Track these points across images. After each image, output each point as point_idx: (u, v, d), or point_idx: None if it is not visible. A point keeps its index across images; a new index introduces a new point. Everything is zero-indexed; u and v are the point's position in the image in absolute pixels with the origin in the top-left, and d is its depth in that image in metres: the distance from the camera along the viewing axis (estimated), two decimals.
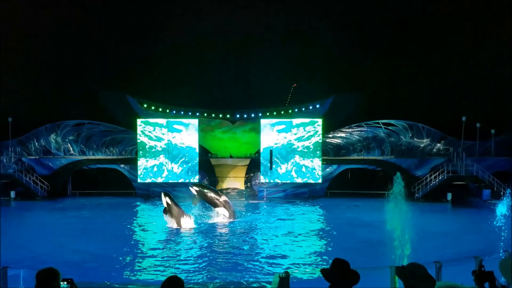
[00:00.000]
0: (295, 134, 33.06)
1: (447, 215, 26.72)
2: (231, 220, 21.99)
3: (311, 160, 32.95)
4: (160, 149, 33.45)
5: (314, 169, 32.94)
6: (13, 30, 41.60)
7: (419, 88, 42.86)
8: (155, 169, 33.44)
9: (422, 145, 33.48)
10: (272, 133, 33.16)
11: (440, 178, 30.51)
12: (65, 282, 3.33)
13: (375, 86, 40.98)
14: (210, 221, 21.94)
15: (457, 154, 31.18)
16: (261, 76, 43.14)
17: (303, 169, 32.98)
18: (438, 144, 33.32)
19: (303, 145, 32.97)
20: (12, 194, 31.44)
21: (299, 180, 33.07)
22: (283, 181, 33.10)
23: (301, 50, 45.76)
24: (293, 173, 33.02)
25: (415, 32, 43.82)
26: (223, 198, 22.11)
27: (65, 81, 42.35)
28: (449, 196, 30.31)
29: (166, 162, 33.39)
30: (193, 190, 22.35)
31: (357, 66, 42.02)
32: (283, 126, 33.22)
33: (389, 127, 34.37)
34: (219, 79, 41.62)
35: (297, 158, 32.99)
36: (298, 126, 33.07)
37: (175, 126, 33.56)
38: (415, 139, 33.62)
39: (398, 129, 34.20)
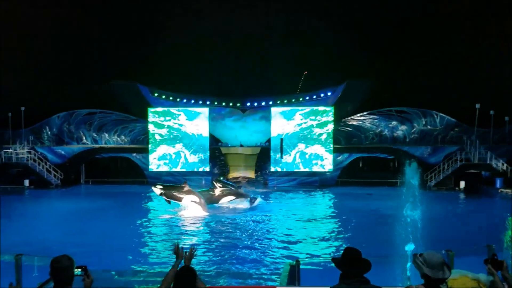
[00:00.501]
0: (306, 122, 32.90)
1: (459, 203, 26.52)
2: (204, 210, 21.28)
3: (322, 148, 32.82)
4: (170, 138, 33.62)
5: (325, 157, 32.82)
6: (13, 29, 41.89)
7: (432, 76, 42.35)
8: (166, 158, 33.65)
9: (435, 133, 33.11)
10: (282, 122, 33.04)
11: (453, 166, 30.19)
12: (79, 270, 3.35)
13: (386, 75, 40.55)
14: (183, 215, 21.07)
15: (470, 142, 30.81)
16: (261, 76, 43.02)
17: (314, 157, 32.88)
18: (452, 132, 32.94)
19: (314, 133, 32.82)
20: (26, 182, 31.88)
21: (309, 169, 32.98)
22: (293, 170, 33.06)
23: (301, 50, 45.55)
24: (303, 161, 32.96)
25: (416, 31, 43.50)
26: (187, 188, 21.58)
27: (65, 81, 42.57)
28: (462, 184, 30.05)
29: (176, 151, 33.58)
30: (157, 190, 21.83)
31: (357, 66, 41.63)
32: (294, 114, 33.08)
33: (402, 115, 33.99)
34: (219, 79, 41.44)
35: (308, 146, 32.89)
36: (309, 114, 32.90)
37: (186, 115, 33.66)
38: (428, 127, 33.25)
39: (411, 116, 33.82)
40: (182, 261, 3.55)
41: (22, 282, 8.25)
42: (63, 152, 33.91)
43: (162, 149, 33.68)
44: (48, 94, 39.68)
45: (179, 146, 33.57)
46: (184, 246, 3.72)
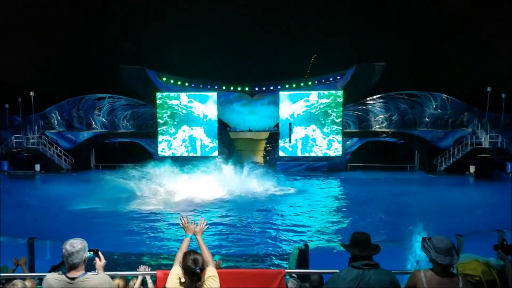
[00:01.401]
0: (314, 106, 32.75)
1: (470, 188, 26.39)
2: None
3: (331, 133, 32.72)
4: (179, 122, 33.71)
5: (334, 142, 32.72)
6: (22, 13, 41.84)
7: (443, 58, 41.72)
8: (175, 143, 33.82)
9: (446, 117, 32.75)
10: (291, 106, 32.93)
11: (463, 151, 29.93)
12: (91, 252, 3.40)
13: (396, 58, 40.01)
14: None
15: (481, 126, 30.47)
16: (278, 50, 42.53)
17: (323, 142, 32.80)
18: (462, 116, 32.57)
19: (323, 118, 32.69)
20: (37, 167, 32.26)
21: (318, 154, 32.94)
22: (302, 155, 33.03)
23: (310, 32, 44.91)
24: (312, 146, 32.90)
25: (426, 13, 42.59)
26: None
27: (74, 66, 42.58)
28: (473, 169, 29.83)
29: (184, 136, 33.71)
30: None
31: (367, 49, 41.01)
32: (302, 98, 32.91)
33: (412, 98, 33.60)
34: (227, 63, 40.97)
35: (317, 131, 32.80)
36: (318, 98, 32.72)
37: (194, 100, 33.66)
38: (439, 111, 32.87)
39: (422, 100, 33.46)
40: (192, 235, 3.51)
41: (35, 265, 8.43)
42: (73, 137, 34.20)
43: (170, 134, 33.82)
44: (57, 79, 39.84)
45: (187, 131, 33.67)
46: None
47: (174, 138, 33.85)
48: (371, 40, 43.10)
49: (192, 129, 33.65)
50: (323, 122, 32.68)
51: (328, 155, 32.89)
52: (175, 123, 33.73)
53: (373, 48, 41.64)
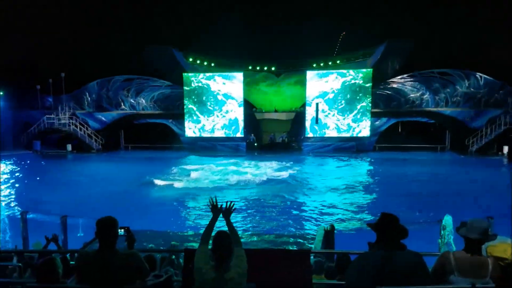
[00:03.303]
0: (343, 85, 32.22)
1: (502, 169, 25.63)
2: None
3: (359, 113, 32.22)
4: (205, 103, 33.84)
5: (363, 122, 32.23)
6: None
7: (477, 35, 40.05)
8: (201, 123, 34.03)
9: (478, 96, 31.66)
10: (318, 85, 32.48)
11: (496, 131, 28.98)
12: (122, 230, 3.49)
13: (429, 34, 38.69)
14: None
15: None
16: (307, 27, 41.71)
17: (351, 122, 32.37)
18: (496, 94, 31.40)
19: (351, 97, 32.16)
20: (69, 147, 33.17)
21: (346, 134, 32.54)
22: (329, 136, 32.71)
23: (339, 9, 43.75)
24: (339, 126, 32.54)
25: None
26: None
27: (103, 47, 42.93)
28: (506, 149, 28.91)
29: (211, 117, 33.84)
30: None
31: (398, 25, 39.58)
32: (330, 77, 32.39)
33: (444, 77, 32.56)
34: (253, 42, 40.36)
35: (344, 111, 32.34)
36: (346, 77, 32.15)
37: (220, 80, 33.64)
38: (472, 89, 31.77)
39: (454, 78, 32.38)
40: (221, 215, 3.55)
41: (68, 242, 8.74)
42: (103, 118, 34.91)
43: (197, 115, 34.02)
44: (87, 60, 40.44)
45: (213, 112, 33.78)
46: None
47: (200, 119, 34.04)
48: (402, 15, 41.74)
49: (218, 109, 33.73)
50: (351, 101, 32.16)
51: (356, 135, 32.45)
52: (201, 103, 33.87)
53: (404, 24, 40.35)
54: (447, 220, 7.24)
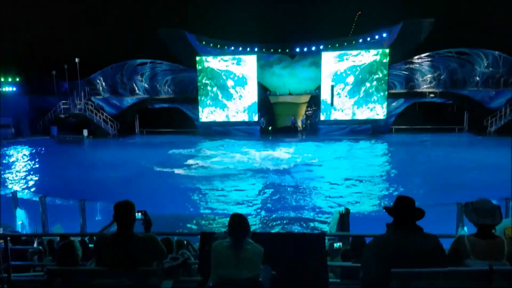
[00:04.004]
0: (359, 66, 31.74)
1: None
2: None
3: (376, 94, 31.81)
4: (218, 87, 33.73)
5: (379, 103, 31.82)
6: None
7: (495, 12, 38.90)
8: (215, 107, 33.99)
9: (498, 75, 30.90)
10: (333, 67, 32.05)
11: None
12: (140, 213, 3.53)
13: (446, 12, 37.62)
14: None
15: None
16: (320, 4, 40.93)
17: (367, 103, 31.98)
18: None
19: (368, 78, 31.70)
20: (85, 132, 33.57)
21: (361, 116, 32.18)
22: (344, 118, 32.39)
23: None
24: (355, 108, 32.19)
25: None
26: None
27: (116, 31, 42.93)
28: None
29: (224, 101, 33.77)
30: None
31: (415, 3, 38.48)
32: (346, 59, 31.90)
33: (462, 56, 31.82)
34: (267, 23, 39.62)
35: (360, 92, 31.94)
36: (362, 57, 31.64)
37: (234, 63, 33.43)
38: (491, 69, 31.02)
39: (472, 58, 31.63)
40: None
41: (86, 225, 8.91)
42: (117, 103, 35.14)
43: (211, 99, 33.98)
44: (100, 44, 40.60)
45: (227, 95, 33.69)
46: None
47: (214, 103, 34.00)
48: None
49: (232, 93, 33.62)
50: (367, 83, 31.72)
51: (372, 117, 32.07)
52: (215, 87, 33.77)
53: (421, 2, 39.34)
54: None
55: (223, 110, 33.95)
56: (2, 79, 38.01)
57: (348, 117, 32.34)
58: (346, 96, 32.14)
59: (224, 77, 33.59)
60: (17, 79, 39.02)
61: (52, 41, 39.45)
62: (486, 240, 3.21)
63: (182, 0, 45.01)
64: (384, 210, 3.51)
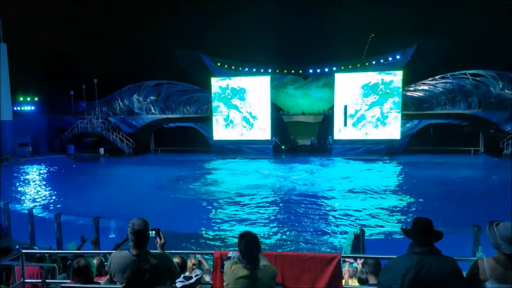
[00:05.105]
0: (372, 88, 31.68)
1: None
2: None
3: (389, 115, 31.62)
4: (232, 107, 33.94)
5: (393, 124, 31.60)
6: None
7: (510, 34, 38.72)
8: (229, 127, 34.14)
9: None
10: (346, 88, 32.03)
11: None
12: (153, 232, 3.54)
13: (461, 35, 37.56)
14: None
15: None
16: (335, 28, 41.34)
17: (381, 124, 31.80)
18: None
19: (381, 99, 31.59)
20: (101, 151, 33.99)
21: (375, 137, 31.96)
22: (358, 138, 32.19)
23: (367, 10, 43.12)
24: (369, 129, 32.00)
25: None
26: None
27: (143, 44, 43.86)
28: None
29: (238, 120, 33.91)
30: None
31: (429, 25, 38.56)
32: (359, 80, 31.90)
33: (477, 78, 31.54)
34: (281, 46, 40.02)
35: (374, 113, 31.80)
36: (376, 79, 31.64)
37: (248, 84, 33.66)
38: (506, 91, 30.69)
39: (487, 79, 31.36)
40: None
41: (100, 242, 8.93)
42: (133, 122, 35.62)
43: (225, 119, 34.17)
44: (118, 66, 41.43)
45: (240, 115, 33.85)
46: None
47: (228, 123, 34.19)
48: (433, 16, 40.84)
49: (245, 113, 33.78)
50: (381, 104, 31.60)
51: (386, 138, 31.83)
52: (229, 107, 34.01)
53: (435, 25, 39.41)
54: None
55: (236, 129, 34.07)
56: (21, 99, 38.95)
57: (362, 137, 32.13)
58: (359, 117, 32.00)
59: (237, 97, 33.82)
60: (36, 99, 39.95)
61: (71, 62, 40.41)
62: (506, 267, 3.10)
63: (199, 22, 45.84)
64: (401, 231, 3.47)
